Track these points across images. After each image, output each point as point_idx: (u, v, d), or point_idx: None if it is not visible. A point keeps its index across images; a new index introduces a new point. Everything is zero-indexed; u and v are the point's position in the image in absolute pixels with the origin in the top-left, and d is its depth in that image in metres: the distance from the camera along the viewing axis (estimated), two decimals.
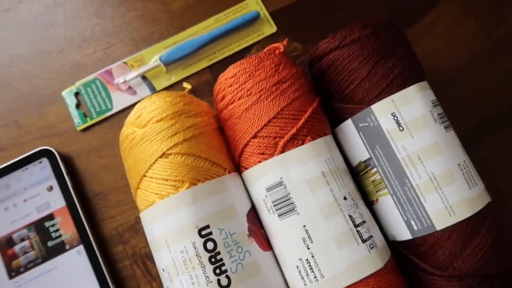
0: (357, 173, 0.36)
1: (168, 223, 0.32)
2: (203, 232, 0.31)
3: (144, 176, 0.33)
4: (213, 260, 0.31)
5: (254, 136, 0.33)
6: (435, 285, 0.32)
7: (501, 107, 0.44)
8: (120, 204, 0.41)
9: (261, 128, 0.33)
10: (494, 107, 0.44)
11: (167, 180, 0.32)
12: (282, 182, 0.32)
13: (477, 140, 0.43)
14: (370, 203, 0.36)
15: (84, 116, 0.43)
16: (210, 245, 0.31)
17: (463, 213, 0.31)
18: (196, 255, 0.31)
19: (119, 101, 0.43)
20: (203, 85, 0.44)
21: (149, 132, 0.33)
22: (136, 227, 0.40)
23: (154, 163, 0.32)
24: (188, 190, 0.32)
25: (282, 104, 0.33)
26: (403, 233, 0.33)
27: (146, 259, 0.40)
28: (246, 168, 0.34)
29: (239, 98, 0.34)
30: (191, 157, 0.33)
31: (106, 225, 0.41)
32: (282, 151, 0.32)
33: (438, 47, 0.45)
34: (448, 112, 0.41)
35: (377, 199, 0.35)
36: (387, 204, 0.34)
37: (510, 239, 0.33)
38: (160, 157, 0.32)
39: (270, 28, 0.45)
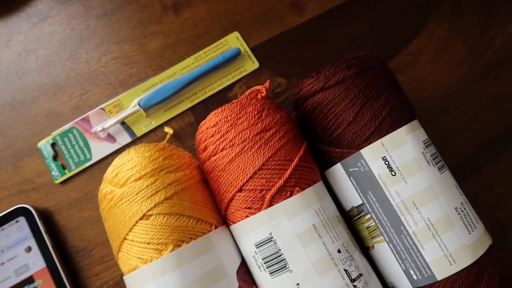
0: (350, 218, 0.34)
1: None
2: None
3: (125, 239, 0.31)
4: None
5: (240, 190, 0.31)
6: None
7: (494, 134, 0.42)
8: (104, 260, 0.39)
9: (247, 181, 0.31)
10: (487, 134, 0.42)
11: (149, 243, 0.30)
12: (272, 237, 0.30)
13: (473, 170, 0.41)
14: (366, 249, 0.34)
15: (62, 168, 0.41)
16: None
17: (464, 261, 0.30)
18: None
19: (99, 150, 0.41)
20: (186, 128, 0.42)
21: (128, 192, 0.31)
22: (122, 284, 0.38)
23: (134, 225, 0.31)
24: (172, 253, 0.30)
25: (267, 154, 0.31)
26: (403, 283, 0.32)
27: None
28: (234, 222, 0.32)
29: (222, 150, 0.32)
30: (173, 216, 0.31)
31: (90, 283, 0.38)
32: (270, 205, 0.31)
33: (425, 74, 0.44)
34: (441, 142, 0.40)
35: (373, 246, 0.33)
36: (383, 251, 0.32)
37: None
38: (141, 219, 0.30)
39: (252, 64, 0.43)
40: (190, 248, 0.30)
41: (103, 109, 0.42)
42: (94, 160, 0.41)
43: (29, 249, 0.37)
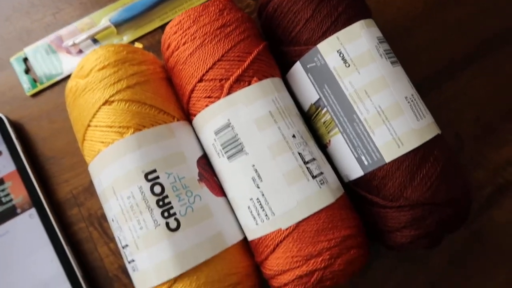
0: (309, 118, 0.36)
1: (114, 171, 0.31)
2: (150, 176, 0.30)
3: (89, 126, 0.32)
4: (160, 203, 0.30)
5: (200, 80, 0.33)
6: (387, 217, 0.32)
7: (455, 54, 0.44)
8: (74, 167, 0.40)
9: (206, 72, 0.32)
10: (449, 54, 0.44)
11: (111, 127, 0.31)
12: (230, 123, 0.32)
13: (432, 87, 0.43)
14: (323, 147, 0.36)
15: (34, 81, 0.42)
16: (157, 189, 0.30)
17: (411, 143, 0.31)
18: (143, 199, 0.30)
19: (70, 64, 0.42)
20: (156, 45, 0.43)
21: (91, 81, 0.32)
22: (91, 189, 0.39)
23: (97, 111, 0.32)
24: (133, 136, 0.31)
25: (226, 46, 0.32)
26: (355, 171, 0.33)
27: (102, 220, 0.39)
28: (195, 115, 0.34)
29: (184, 44, 0.33)
30: (135, 103, 0.32)
31: (60, 189, 0.40)
32: (229, 93, 0.32)
33: None
34: (403, 61, 0.41)
35: (329, 141, 0.35)
36: (338, 143, 0.34)
37: (460, 170, 0.33)
38: (103, 104, 0.32)
39: None
40: (151, 133, 0.31)
41: (75, 27, 0.43)
42: (65, 74, 0.42)
43: None
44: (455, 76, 0.43)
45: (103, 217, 0.39)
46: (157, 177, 0.30)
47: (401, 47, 0.42)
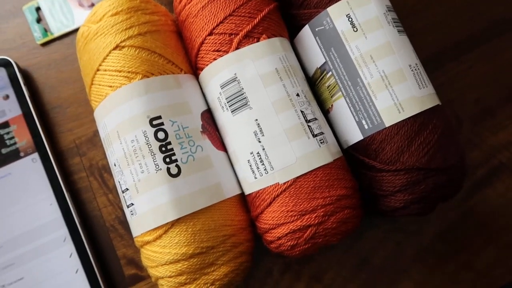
0: (314, 83, 0.36)
1: (119, 114, 0.31)
2: (155, 122, 0.31)
3: (98, 70, 0.33)
4: (163, 149, 0.31)
5: (210, 33, 0.33)
6: (383, 181, 0.32)
7: (461, 36, 0.44)
8: (78, 117, 0.41)
9: (217, 25, 0.33)
10: (455, 35, 0.44)
11: (120, 71, 0.32)
12: (236, 78, 0.32)
13: (436, 67, 0.43)
14: (326, 112, 0.36)
15: (45, 31, 0.42)
16: (161, 135, 0.31)
17: (411, 109, 0.32)
18: (147, 144, 0.31)
19: (81, 17, 0.42)
20: (167, 4, 0.43)
21: (103, 25, 0.33)
22: (94, 140, 0.40)
23: (107, 55, 0.32)
24: (141, 81, 0.32)
25: (238, 2, 0.33)
26: (355, 135, 0.34)
27: (103, 171, 0.39)
28: (203, 69, 0.34)
29: None
30: (145, 51, 0.33)
31: (63, 138, 0.40)
32: (237, 48, 0.33)
33: None
34: (409, 39, 0.42)
35: (332, 105, 0.35)
36: (341, 107, 0.34)
37: (457, 141, 0.33)
38: (114, 49, 0.32)
39: None
40: (159, 80, 0.32)
41: None
42: (76, 26, 0.42)
43: (6, 97, 0.39)
44: (459, 58, 0.44)
45: (104, 168, 0.39)
46: (162, 124, 0.31)
47: (407, 26, 0.43)
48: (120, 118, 0.31)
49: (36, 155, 0.38)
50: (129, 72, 0.32)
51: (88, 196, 0.39)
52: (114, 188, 0.39)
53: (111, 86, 0.32)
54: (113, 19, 0.33)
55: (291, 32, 0.37)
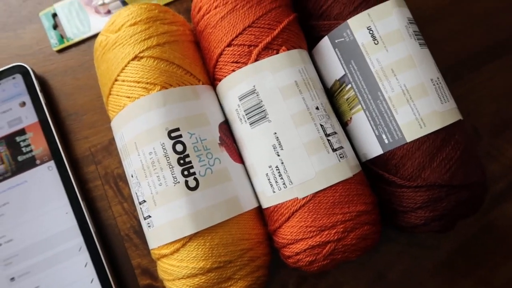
0: (332, 94, 0.36)
1: (138, 125, 0.31)
2: (173, 134, 0.31)
3: (116, 80, 0.32)
4: (181, 162, 0.30)
5: (229, 45, 0.33)
6: (403, 197, 0.32)
7: (480, 47, 0.44)
8: (94, 125, 0.40)
9: (236, 36, 0.33)
10: (473, 46, 0.44)
11: (138, 82, 0.32)
12: (255, 90, 0.32)
13: (455, 78, 0.43)
14: (344, 125, 0.36)
15: (61, 37, 0.42)
16: (179, 147, 0.31)
17: (433, 125, 0.31)
18: (165, 156, 0.30)
19: (97, 24, 0.42)
20: (184, 12, 0.43)
21: (122, 35, 0.32)
22: (110, 149, 0.40)
23: (126, 66, 0.32)
24: (160, 93, 0.31)
25: (258, 13, 0.33)
26: (374, 149, 0.33)
27: (118, 179, 0.39)
28: (220, 80, 0.34)
29: (215, 7, 0.33)
30: (164, 61, 0.32)
31: (79, 145, 0.40)
32: (256, 59, 0.32)
33: None
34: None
35: (350, 118, 0.35)
36: (360, 121, 0.34)
37: (478, 157, 0.33)
38: (133, 59, 0.32)
39: None
40: (177, 92, 0.32)
41: None
42: (92, 33, 0.42)
43: (23, 104, 0.39)
44: (478, 69, 0.43)
45: (119, 176, 0.39)
46: (180, 136, 0.31)
47: (426, 35, 0.42)
48: (138, 129, 0.31)
49: (52, 163, 0.38)
50: (147, 83, 0.31)
51: (103, 205, 0.39)
52: (129, 197, 0.39)
53: (129, 97, 0.32)
54: (132, 29, 0.32)
55: (310, 42, 0.37)
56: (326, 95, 0.35)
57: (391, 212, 0.33)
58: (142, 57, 0.32)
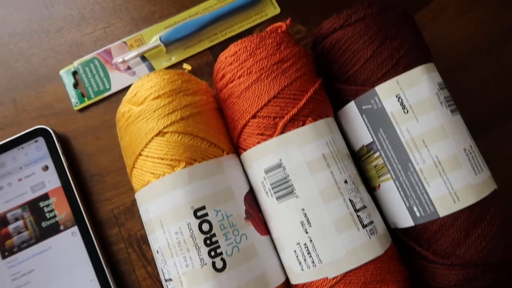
0: (359, 158, 0.35)
1: (163, 204, 0.31)
2: (199, 213, 0.30)
3: (140, 155, 0.32)
4: (208, 242, 0.30)
5: (254, 116, 0.32)
6: (437, 273, 0.31)
7: (510, 96, 0.42)
8: (116, 186, 0.40)
9: (261, 108, 0.32)
10: (503, 95, 0.42)
11: (163, 159, 0.31)
12: (281, 164, 0.31)
13: (484, 129, 0.41)
14: (372, 189, 0.35)
15: (82, 96, 0.42)
16: (205, 227, 0.30)
17: (468, 199, 0.30)
18: (191, 237, 0.30)
19: (118, 81, 0.42)
20: (204, 66, 0.43)
21: (145, 109, 0.32)
22: (133, 210, 0.40)
23: (150, 141, 0.32)
24: (185, 170, 0.31)
25: (283, 83, 0.32)
26: (405, 220, 0.32)
27: (141, 242, 0.39)
28: (245, 150, 0.33)
29: (239, 77, 0.33)
30: (188, 136, 0.32)
31: (102, 207, 0.40)
32: (282, 132, 0.31)
33: (445, 33, 0.44)
34: (454, 99, 0.40)
35: (379, 185, 0.34)
36: (389, 189, 0.33)
37: None
38: (156, 135, 0.31)
39: (273, 9, 0.44)
40: (202, 168, 0.31)
41: (125, 42, 0.43)
42: (113, 90, 0.42)
43: (46, 168, 0.39)
44: (508, 120, 0.42)
45: (142, 238, 0.39)
46: (206, 214, 0.30)
47: (453, 84, 0.41)
48: (163, 207, 0.31)
49: (75, 229, 0.38)
50: (172, 160, 0.31)
51: (127, 269, 0.39)
52: (152, 260, 0.38)
53: (153, 173, 0.31)
54: (155, 103, 0.32)
55: (334, 103, 0.36)
56: (353, 157, 0.34)
57: (423, 285, 0.32)
58: (166, 133, 0.31)
